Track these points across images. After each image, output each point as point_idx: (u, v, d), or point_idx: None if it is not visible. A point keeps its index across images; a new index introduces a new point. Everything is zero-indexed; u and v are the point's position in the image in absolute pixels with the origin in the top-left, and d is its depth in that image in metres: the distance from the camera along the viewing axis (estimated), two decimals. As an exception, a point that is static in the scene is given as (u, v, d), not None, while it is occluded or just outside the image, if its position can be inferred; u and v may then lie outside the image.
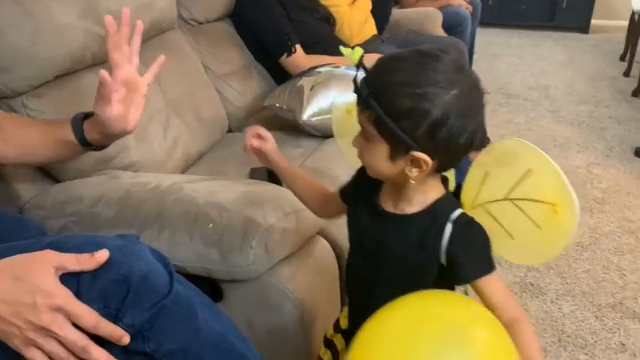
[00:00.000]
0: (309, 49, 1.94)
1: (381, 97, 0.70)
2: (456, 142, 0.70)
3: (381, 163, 0.74)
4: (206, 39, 1.81)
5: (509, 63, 3.98)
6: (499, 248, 0.76)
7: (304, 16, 2.02)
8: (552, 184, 0.72)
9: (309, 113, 1.59)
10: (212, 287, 1.04)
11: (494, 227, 0.76)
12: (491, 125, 2.91)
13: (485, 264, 0.76)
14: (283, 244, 1.00)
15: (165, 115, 1.49)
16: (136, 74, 0.95)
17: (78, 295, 0.66)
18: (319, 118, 1.59)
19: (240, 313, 1.02)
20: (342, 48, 0.82)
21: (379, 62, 0.72)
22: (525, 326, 0.73)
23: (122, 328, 0.68)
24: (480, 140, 0.74)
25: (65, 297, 0.64)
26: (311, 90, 1.62)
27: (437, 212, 0.76)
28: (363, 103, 0.71)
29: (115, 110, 0.91)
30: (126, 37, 0.95)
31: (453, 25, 2.96)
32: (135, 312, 0.69)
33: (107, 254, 0.69)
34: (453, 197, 0.80)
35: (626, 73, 3.64)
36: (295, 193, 0.97)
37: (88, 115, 0.99)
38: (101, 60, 1.31)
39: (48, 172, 1.22)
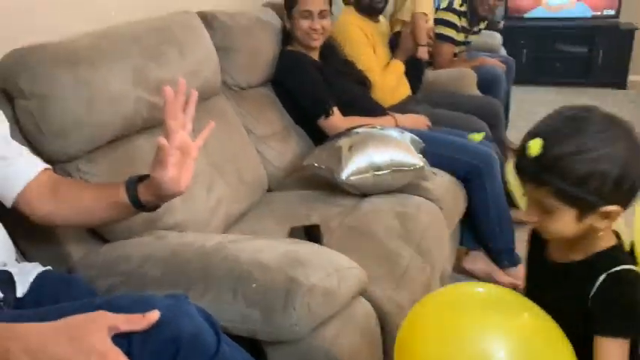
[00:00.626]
0: (346, 111, 1.99)
1: (556, 171, 0.75)
2: (639, 185, 0.77)
3: (568, 226, 0.79)
4: (248, 103, 1.89)
5: (545, 120, 3.97)
6: None
7: (341, 79, 2.09)
8: None
9: (347, 172, 1.61)
10: (255, 349, 1.04)
11: None
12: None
13: (616, 326, 0.76)
14: (326, 304, 1.00)
15: (208, 176, 1.54)
16: (189, 139, 1.00)
17: (129, 355, 0.68)
18: (358, 177, 1.62)
19: (283, 375, 1.02)
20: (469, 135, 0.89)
21: (545, 134, 0.77)
22: None
23: None
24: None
25: (118, 357, 0.66)
26: (349, 150, 1.66)
27: (599, 260, 0.80)
28: (534, 181, 0.77)
29: (170, 173, 0.95)
30: (181, 105, 1.00)
31: (488, 84, 2.99)
32: (185, 372, 0.70)
33: (157, 314, 0.70)
34: (624, 252, 0.81)
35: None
36: None
37: (141, 178, 1.04)
38: (150, 124, 1.39)
39: (96, 233, 1.27)
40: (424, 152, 1.78)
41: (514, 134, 3.66)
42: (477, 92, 2.77)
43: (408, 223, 1.51)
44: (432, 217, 1.62)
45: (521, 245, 2.14)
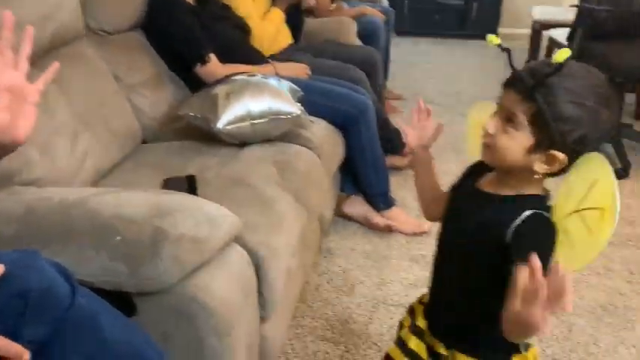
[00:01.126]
0: (224, 58, 1.94)
1: (550, 96, 0.76)
2: (583, 150, 0.80)
3: (517, 151, 0.80)
4: (116, 49, 1.76)
5: (423, 70, 4.15)
6: (559, 255, 0.81)
7: (218, 25, 2.02)
8: (608, 191, 0.78)
9: (224, 121, 1.58)
10: (125, 301, 1.02)
11: (562, 237, 0.81)
12: (408, 130, 3.02)
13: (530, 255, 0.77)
14: (195, 253, 0.99)
15: (72, 128, 1.43)
16: (24, 81, 0.87)
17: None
18: (235, 125, 1.60)
19: (155, 326, 1.00)
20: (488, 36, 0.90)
21: (566, 61, 0.77)
22: None
23: (22, 344, 0.65)
24: None
25: None
26: (226, 98, 1.62)
27: (526, 202, 0.82)
28: (524, 93, 0.77)
29: None
30: (9, 43, 0.87)
31: (368, 33, 3.04)
32: (35, 327, 0.67)
33: (2, 269, 0.66)
34: (547, 203, 0.84)
35: (531, 78, 3.88)
36: (416, 185, 1.07)
37: None
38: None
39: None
40: (302, 101, 1.79)
41: (393, 83, 3.81)
42: (357, 42, 2.81)
43: (286, 171, 1.53)
44: (311, 164, 1.65)
45: (396, 189, 2.26)
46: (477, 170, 0.93)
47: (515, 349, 0.90)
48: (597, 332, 1.61)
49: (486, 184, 0.89)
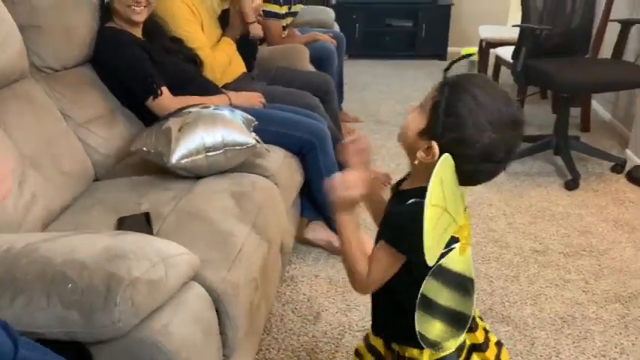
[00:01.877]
0: (177, 91, 1.92)
1: (454, 93, 0.85)
2: (461, 165, 0.85)
3: (413, 130, 0.90)
4: (63, 86, 1.73)
5: (377, 91, 4.21)
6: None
7: (169, 58, 2.00)
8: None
9: (178, 155, 1.56)
10: (80, 351, 0.98)
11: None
12: (366, 151, 3.05)
13: (388, 235, 0.90)
14: (151, 296, 0.96)
15: (19, 171, 1.39)
16: None
17: None
18: (189, 159, 1.58)
19: (112, 374, 0.97)
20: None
21: (476, 76, 0.91)
22: (361, 271, 0.92)
23: None
24: (474, 181, 0.91)
25: None
26: (179, 131, 1.60)
27: (415, 192, 0.89)
28: (440, 85, 0.88)
29: None
30: None
31: (321, 59, 3.08)
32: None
33: None
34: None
35: (481, 95, 4.00)
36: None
37: None
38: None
39: None
40: (257, 130, 1.79)
41: (348, 105, 3.85)
42: (310, 68, 2.84)
43: (243, 202, 1.51)
44: (268, 193, 1.64)
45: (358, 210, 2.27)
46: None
47: (407, 340, 0.96)
48: (559, 344, 1.64)
49: (405, 184, 0.99)
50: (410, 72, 4.80)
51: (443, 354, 0.96)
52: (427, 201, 0.80)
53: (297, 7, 3.11)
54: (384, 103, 3.93)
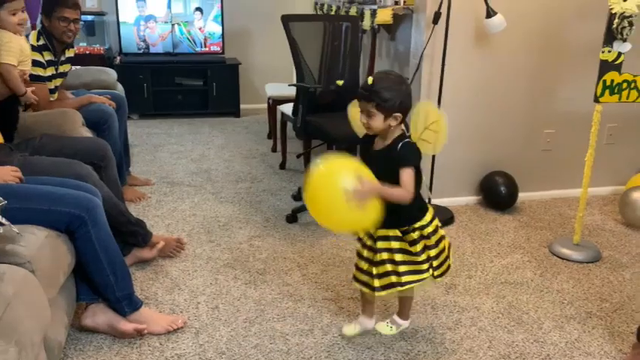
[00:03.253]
0: None
1: (377, 94, 1.61)
2: (408, 107, 1.66)
3: (379, 124, 1.64)
4: None
5: (171, 152, 4.09)
6: (427, 148, 1.67)
7: None
8: (435, 112, 1.67)
9: None
10: None
11: (427, 143, 1.66)
12: (157, 217, 2.90)
13: (408, 162, 1.65)
14: None
15: None
16: None
17: None
18: None
19: None
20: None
21: (374, 79, 1.64)
22: (403, 192, 1.64)
23: None
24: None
25: None
26: None
27: (398, 140, 1.68)
28: (367, 99, 1.63)
29: None
30: None
31: (98, 122, 2.88)
32: None
33: None
34: (406, 135, 1.69)
35: (273, 149, 4.13)
36: None
37: None
38: None
39: None
40: (10, 210, 1.55)
41: (141, 167, 3.66)
42: (85, 133, 2.62)
43: (-14, 300, 1.27)
44: (21, 284, 1.41)
45: (146, 285, 2.09)
46: (366, 140, 1.76)
47: (416, 218, 1.74)
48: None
49: (376, 145, 1.73)
50: (205, 129, 4.78)
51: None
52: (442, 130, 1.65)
53: (66, 68, 2.89)
54: (179, 163, 3.82)
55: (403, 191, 1.62)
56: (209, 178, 3.55)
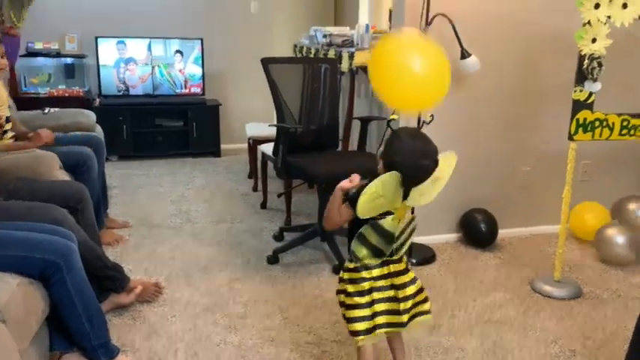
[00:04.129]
0: None
1: (388, 139, 1.66)
2: (399, 171, 1.57)
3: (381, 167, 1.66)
4: None
5: (150, 193, 4.05)
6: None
7: None
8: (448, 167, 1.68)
9: None
10: None
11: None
12: (135, 260, 2.84)
13: (350, 195, 1.63)
14: None
15: None
16: None
17: None
18: None
19: None
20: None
21: (402, 129, 1.78)
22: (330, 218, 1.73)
23: None
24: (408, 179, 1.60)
25: None
26: None
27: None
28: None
29: None
30: None
31: (77, 164, 2.85)
32: None
33: None
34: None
35: (254, 189, 4.11)
36: None
37: None
38: None
39: None
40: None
41: (119, 209, 3.61)
42: (62, 176, 2.58)
43: (-47, 353, 1.22)
44: (-9, 335, 1.36)
45: (124, 332, 2.02)
46: None
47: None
48: None
49: None
50: (185, 170, 4.75)
51: (353, 265, 1.69)
52: (366, 189, 1.53)
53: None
54: (158, 205, 3.77)
55: (331, 215, 1.69)
56: (188, 219, 3.51)
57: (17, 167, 2.43)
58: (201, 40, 5.16)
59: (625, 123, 2.43)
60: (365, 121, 3.16)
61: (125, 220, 3.42)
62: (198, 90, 5.24)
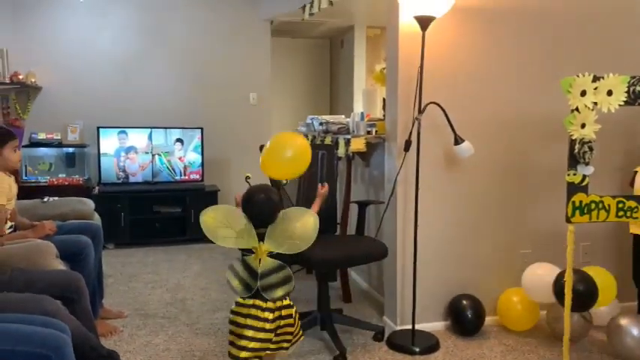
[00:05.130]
0: None
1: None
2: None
3: None
4: None
5: (146, 281, 3.98)
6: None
7: None
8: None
9: None
10: None
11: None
12: (129, 352, 2.74)
13: None
14: None
15: None
16: None
17: None
18: None
19: None
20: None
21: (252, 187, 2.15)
22: None
23: None
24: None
25: None
26: None
27: None
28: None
29: None
30: None
31: (75, 252, 2.82)
32: None
33: None
34: None
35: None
36: None
37: None
38: None
39: None
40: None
41: (114, 299, 3.53)
42: (58, 266, 2.55)
43: None
44: None
45: None
46: None
47: None
48: None
49: None
50: (181, 257, 4.71)
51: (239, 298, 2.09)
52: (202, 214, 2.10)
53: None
54: (153, 293, 3.70)
55: None
56: (184, 308, 3.43)
57: (14, 257, 2.41)
58: (202, 129, 5.30)
59: (620, 205, 2.45)
60: (363, 205, 3.18)
61: (120, 310, 3.34)
62: (197, 176, 5.32)
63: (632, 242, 2.96)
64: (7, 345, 1.66)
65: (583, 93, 2.34)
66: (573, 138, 2.38)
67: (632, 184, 2.88)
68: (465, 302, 3.01)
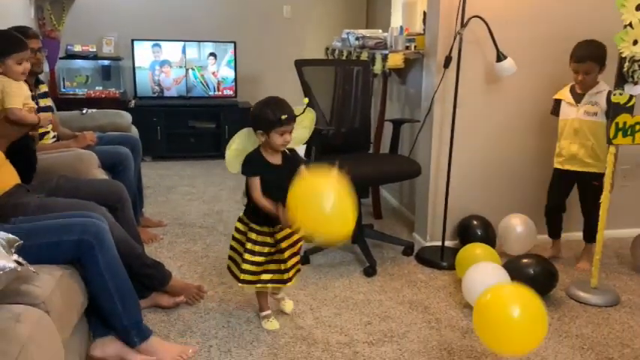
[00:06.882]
0: None
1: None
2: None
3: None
4: None
5: (183, 193, 4.11)
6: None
7: None
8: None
9: None
10: None
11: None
12: (169, 258, 2.89)
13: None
14: None
15: None
16: None
17: None
18: None
19: None
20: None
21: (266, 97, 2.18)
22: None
23: None
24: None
25: None
26: None
27: (287, 152, 2.20)
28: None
29: None
30: None
31: (114, 163, 2.92)
32: None
33: None
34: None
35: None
36: None
37: None
38: None
39: None
40: (23, 249, 1.55)
41: (154, 209, 3.68)
42: (100, 175, 2.65)
43: (2, 344, 1.26)
44: (36, 325, 1.40)
45: (160, 329, 2.06)
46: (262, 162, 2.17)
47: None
48: None
49: (273, 160, 2.16)
50: (217, 171, 4.81)
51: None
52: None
53: (47, 101, 2.98)
54: (191, 205, 3.83)
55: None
56: (221, 219, 3.55)
57: (59, 165, 2.51)
58: (234, 43, 5.23)
59: (666, 127, 2.37)
60: (397, 124, 3.16)
61: (159, 219, 3.48)
62: (230, 92, 5.31)
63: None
64: (49, 237, 1.76)
65: (638, 7, 2.20)
66: (623, 56, 2.27)
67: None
68: (475, 222, 3.02)
